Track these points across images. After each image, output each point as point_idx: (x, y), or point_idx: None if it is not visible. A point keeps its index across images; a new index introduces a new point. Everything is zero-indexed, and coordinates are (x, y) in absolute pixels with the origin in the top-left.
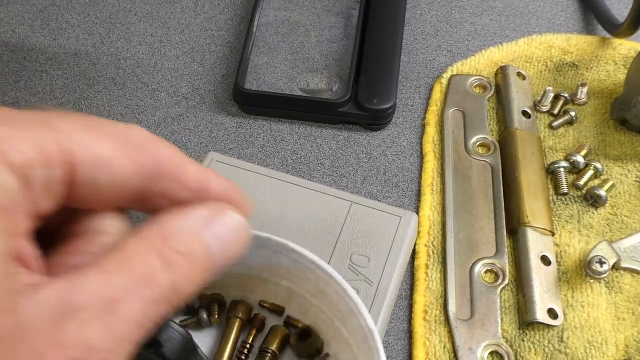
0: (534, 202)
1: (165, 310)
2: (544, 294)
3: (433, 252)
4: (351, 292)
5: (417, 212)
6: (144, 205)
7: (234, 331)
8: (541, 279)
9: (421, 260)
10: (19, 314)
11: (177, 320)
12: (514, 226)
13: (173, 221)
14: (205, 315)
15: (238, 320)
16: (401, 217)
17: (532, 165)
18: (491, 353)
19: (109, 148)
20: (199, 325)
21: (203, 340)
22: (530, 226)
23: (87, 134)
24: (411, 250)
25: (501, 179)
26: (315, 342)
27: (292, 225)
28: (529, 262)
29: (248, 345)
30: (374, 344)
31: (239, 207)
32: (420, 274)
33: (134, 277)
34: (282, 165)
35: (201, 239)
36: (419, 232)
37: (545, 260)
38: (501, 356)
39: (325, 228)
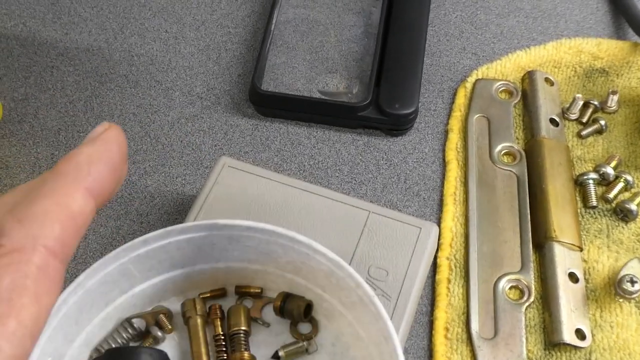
0: (561, 216)
1: None
2: (571, 314)
3: (455, 266)
4: (329, 253)
5: (439, 223)
6: None
7: (200, 329)
8: (568, 297)
9: (443, 274)
10: None
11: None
12: (540, 240)
13: None
14: (158, 332)
15: (198, 317)
16: (421, 228)
17: (559, 177)
18: None
19: None
20: (157, 342)
21: (169, 353)
22: (558, 241)
23: None
24: (431, 263)
25: (527, 190)
26: (303, 300)
27: (306, 235)
28: (556, 279)
29: (222, 337)
30: (363, 292)
31: None
32: (442, 289)
33: None
34: (299, 171)
35: None
36: (440, 245)
37: (572, 277)
38: None
39: (342, 239)
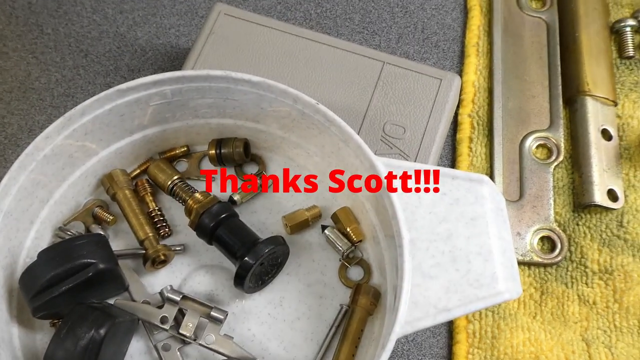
0: (595, 67)
1: None
2: (603, 173)
3: (478, 124)
4: (252, 77)
5: (460, 77)
6: None
7: (132, 200)
8: (601, 156)
9: (464, 132)
10: None
11: None
12: (571, 95)
13: None
14: (99, 229)
15: (125, 190)
16: (442, 79)
17: (594, 23)
18: (542, 238)
19: None
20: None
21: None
22: (591, 95)
23: None
24: (451, 120)
25: (558, 39)
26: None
27: (315, 89)
28: (588, 137)
29: (159, 211)
30: (304, 104)
31: None
32: (463, 149)
33: None
34: (304, 20)
35: None
36: (462, 101)
37: (606, 134)
38: (553, 242)
39: (354, 93)
